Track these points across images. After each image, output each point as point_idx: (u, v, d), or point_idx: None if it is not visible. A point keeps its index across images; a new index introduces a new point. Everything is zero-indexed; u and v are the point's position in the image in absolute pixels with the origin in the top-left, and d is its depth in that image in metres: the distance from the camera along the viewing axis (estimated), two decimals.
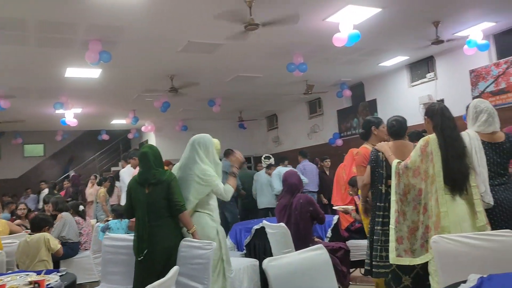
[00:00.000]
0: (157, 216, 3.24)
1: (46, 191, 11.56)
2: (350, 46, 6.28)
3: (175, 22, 5.85)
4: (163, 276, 1.98)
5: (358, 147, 6.27)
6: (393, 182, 3.02)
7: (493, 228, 2.84)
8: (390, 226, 2.99)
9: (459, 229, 2.71)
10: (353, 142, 10.12)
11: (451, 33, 7.08)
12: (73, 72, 7.71)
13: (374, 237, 3.26)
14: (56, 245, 4.48)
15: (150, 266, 3.18)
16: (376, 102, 10.22)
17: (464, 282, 1.79)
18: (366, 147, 3.90)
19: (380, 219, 3.23)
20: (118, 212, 5.45)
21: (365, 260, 3.42)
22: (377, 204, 3.30)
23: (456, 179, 2.81)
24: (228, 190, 3.43)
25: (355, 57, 8.27)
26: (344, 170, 6.24)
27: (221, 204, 7.53)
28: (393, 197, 3.01)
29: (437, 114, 3.00)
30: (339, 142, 11.24)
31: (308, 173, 7.91)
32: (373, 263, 3.24)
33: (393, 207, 3.00)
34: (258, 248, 4.76)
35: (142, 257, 3.19)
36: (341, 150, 10.25)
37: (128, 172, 7.24)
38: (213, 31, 6.21)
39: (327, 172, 8.47)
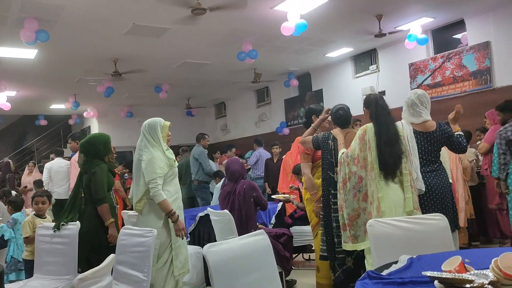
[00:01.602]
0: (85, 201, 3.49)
1: None
2: (298, 35, 6.35)
3: (120, 2, 5.61)
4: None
5: None
6: (338, 170, 3.12)
7: (425, 212, 3.00)
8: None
9: (394, 213, 2.83)
10: (300, 131, 10.24)
11: (393, 26, 7.35)
12: (6, 52, 7.19)
13: (334, 224, 3.33)
14: None
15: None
16: (323, 92, 10.44)
17: (396, 262, 1.87)
18: None
19: (335, 206, 3.30)
20: (17, 204, 4.95)
21: (321, 247, 3.50)
22: (332, 191, 3.36)
23: (387, 163, 2.92)
24: (160, 201, 3.19)
25: (302, 47, 8.37)
26: (291, 158, 6.35)
27: (196, 189, 7.40)
28: (338, 186, 3.10)
29: (372, 103, 3.11)
30: (286, 131, 11.38)
31: (263, 160, 8.03)
32: (336, 249, 3.33)
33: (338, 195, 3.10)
34: (203, 235, 4.74)
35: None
36: (288, 138, 10.40)
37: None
38: (160, 14, 6.03)
39: (274, 160, 8.54)
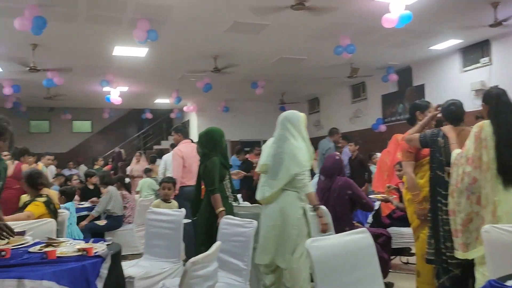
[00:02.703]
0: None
1: (83, 166, 12.18)
2: (400, 27, 6.03)
3: (223, 1, 5.82)
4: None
5: (402, 133, 6.11)
6: (451, 172, 2.90)
7: None
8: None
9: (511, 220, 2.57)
10: (397, 128, 9.82)
11: (511, 14, 6.63)
12: (120, 51, 7.90)
13: (444, 227, 3.09)
14: None
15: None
16: (424, 87, 9.83)
17: None
18: None
19: (445, 208, 3.06)
20: (68, 194, 4.97)
21: (427, 250, 3.28)
22: (442, 192, 3.12)
23: (507, 167, 2.64)
24: (309, 193, 3.33)
25: (404, 39, 7.95)
26: (388, 156, 6.09)
27: None
28: (449, 188, 2.88)
29: (493, 98, 2.83)
30: (383, 127, 10.94)
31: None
32: (445, 254, 3.10)
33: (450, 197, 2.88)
34: None
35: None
36: (384, 136, 9.99)
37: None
38: (260, 11, 6.14)
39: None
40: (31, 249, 2.65)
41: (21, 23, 5.60)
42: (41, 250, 2.60)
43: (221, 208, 3.48)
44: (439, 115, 3.46)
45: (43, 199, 3.73)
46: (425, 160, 3.55)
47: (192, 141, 5.99)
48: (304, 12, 5.87)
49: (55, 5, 5.70)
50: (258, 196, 3.45)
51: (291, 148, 3.32)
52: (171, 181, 4.60)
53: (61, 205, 4.57)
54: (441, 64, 9.38)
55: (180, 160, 5.41)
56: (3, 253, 2.50)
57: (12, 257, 2.48)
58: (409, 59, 9.62)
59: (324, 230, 3.37)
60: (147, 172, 8.29)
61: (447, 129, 3.21)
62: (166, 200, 4.49)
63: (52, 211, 3.73)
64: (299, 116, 3.47)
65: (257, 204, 3.97)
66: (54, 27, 6.21)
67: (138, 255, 5.30)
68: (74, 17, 6.20)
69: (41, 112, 15.05)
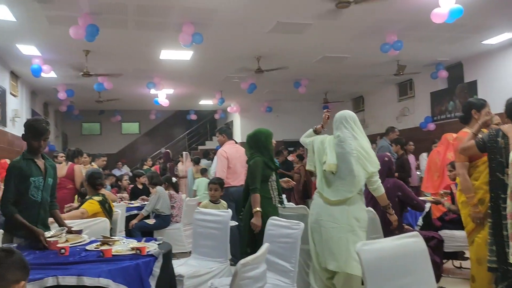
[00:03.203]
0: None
1: (126, 167, 12.65)
2: (451, 22, 5.79)
3: (266, 2, 5.84)
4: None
5: (453, 132, 5.87)
6: (509, 174, 2.75)
7: None
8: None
9: None
10: (447, 127, 9.47)
11: None
12: (167, 54, 8.12)
13: (504, 232, 2.93)
14: None
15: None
16: (477, 84, 9.37)
17: None
18: (467, 132, 3.59)
19: (504, 212, 2.91)
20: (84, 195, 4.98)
21: (488, 257, 3.09)
22: (502, 195, 2.97)
23: None
24: (381, 193, 3.38)
25: (455, 34, 7.62)
26: (438, 157, 5.88)
27: None
28: (508, 190, 2.73)
29: None
30: (432, 126, 10.55)
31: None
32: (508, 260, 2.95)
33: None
34: None
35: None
36: (433, 134, 9.63)
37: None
38: (303, 10, 6.11)
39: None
40: (88, 247, 2.78)
41: (75, 31, 5.89)
42: (97, 248, 2.73)
43: (258, 209, 3.51)
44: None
45: (98, 198, 3.92)
46: (480, 161, 3.39)
47: (236, 142, 6.07)
48: (349, 9, 5.78)
49: (106, 13, 5.95)
50: (333, 196, 3.26)
51: (364, 147, 3.28)
52: (218, 182, 4.64)
53: None
54: (495, 59, 8.91)
55: (225, 160, 5.44)
56: (62, 251, 2.65)
57: (70, 255, 2.62)
58: (460, 54, 9.21)
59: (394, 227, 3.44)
60: (204, 172, 8.49)
61: (507, 128, 3.04)
62: (213, 201, 4.54)
63: (106, 210, 3.90)
64: (355, 115, 3.49)
65: (302, 206, 3.95)
66: (105, 34, 6.47)
67: (185, 254, 5.44)
68: (124, 24, 6.44)
69: (93, 115, 15.76)
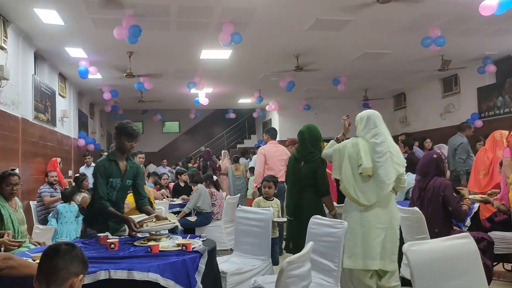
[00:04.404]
0: (302, 189, 3.78)
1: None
2: (500, 14, 5.54)
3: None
4: None
5: (502, 129, 5.62)
6: None
7: None
8: None
9: None
10: (496, 123, 9.05)
11: None
12: (207, 54, 8.23)
13: None
14: None
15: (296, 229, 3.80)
16: None
17: None
18: None
19: None
20: (66, 196, 5.51)
21: None
22: None
23: None
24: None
25: (504, 27, 7.27)
26: (486, 155, 5.65)
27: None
28: None
29: None
30: (479, 123, 10.11)
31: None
32: None
33: None
34: None
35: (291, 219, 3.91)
36: (480, 132, 9.24)
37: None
38: (343, 6, 6.02)
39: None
40: (136, 243, 2.88)
41: (119, 32, 6.08)
42: (144, 243, 2.82)
43: (335, 210, 3.62)
44: None
45: None
46: None
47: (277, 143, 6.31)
48: (390, 4, 5.64)
49: (149, 15, 6.11)
50: (366, 201, 3.23)
51: (394, 147, 3.28)
52: (272, 180, 4.65)
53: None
54: None
55: (262, 157, 6.02)
56: (112, 245, 2.75)
57: (120, 250, 2.72)
58: (509, 47, 8.76)
59: None
60: (252, 170, 8.59)
61: None
62: (267, 198, 4.60)
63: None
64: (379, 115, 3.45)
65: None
66: (148, 35, 6.65)
67: (226, 251, 5.51)
68: (166, 25, 6.59)
69: (136, 115, 16.23)
